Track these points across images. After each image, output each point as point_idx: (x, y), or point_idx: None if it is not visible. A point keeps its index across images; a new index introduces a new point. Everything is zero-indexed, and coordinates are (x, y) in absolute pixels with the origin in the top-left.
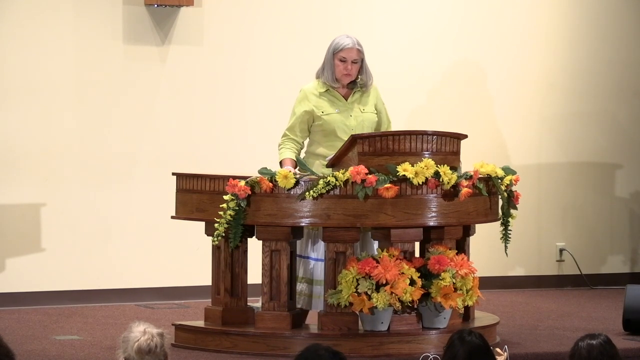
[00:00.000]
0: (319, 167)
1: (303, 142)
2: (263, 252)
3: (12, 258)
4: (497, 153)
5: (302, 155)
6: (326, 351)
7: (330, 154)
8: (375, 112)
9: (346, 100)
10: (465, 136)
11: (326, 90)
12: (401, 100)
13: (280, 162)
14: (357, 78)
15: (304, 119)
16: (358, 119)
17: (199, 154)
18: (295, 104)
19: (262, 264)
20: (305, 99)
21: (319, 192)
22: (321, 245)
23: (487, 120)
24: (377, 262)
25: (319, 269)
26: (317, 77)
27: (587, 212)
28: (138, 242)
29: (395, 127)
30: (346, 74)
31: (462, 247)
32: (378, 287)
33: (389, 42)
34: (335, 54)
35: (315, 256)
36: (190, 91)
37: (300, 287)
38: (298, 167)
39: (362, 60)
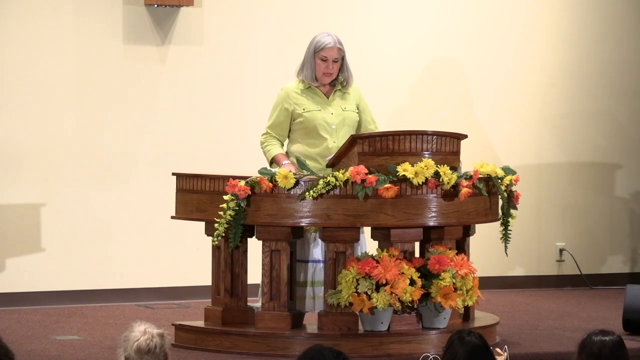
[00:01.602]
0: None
1: (284, 142)
2: (263, 252)
3: (12, 258)
4: (497, 153)
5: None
6: (330, 351)
7: (311, 151)
8: (357, 111)
9: (327, 98)
10: (465, 136)
11: (307, 88)
12: (400, 100)
13: (272, 160)
14: (337, 76)
15: (285, 118)
16: (339, 117)
17: (199, 154)
18: (277, 102)
19: (262, 264)
20: (287, 97)
21: (319, 192)
22: (318, 247)
23: (487, 120)
24: (377, 262)
25: (314, 271)
26: (297, 75)
27: (587, 212)
28: (138, 242)
29: (394, 127)
30: (326, 73)
31: (462, 247)
32: (378, 287)
33: (389, 41)
34: (316, 53)
35: (312, 258)
36: (190, 91)
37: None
38: (285, 162)
39: (343, 58)
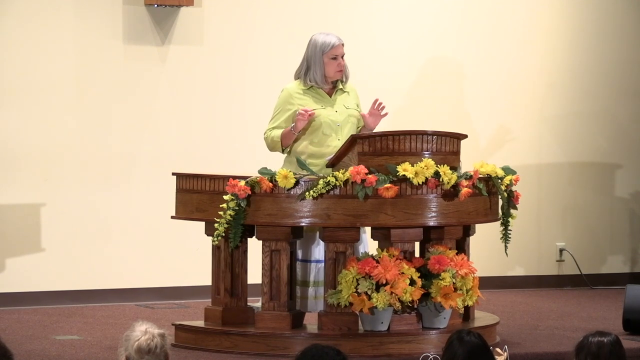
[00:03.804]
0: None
1: None
2: (263, 252)
3: (12, 258)
4: (497, 153)
5: (285, 155)
6: (330, 349)
7: (315, 151)
8: (358, 109)
9: (330, 97)
10: (465, 136)
11: (309, 88)
12: (400, 100)
13: (281, 138)
14: None
15: (289, 118)
16: (343, 114)
17: (199, 154)
18: (279, 104)
19: (262, 264)
20: (290, 97)
21: (319, 192)
22: (318, 247)
23: (487, 120)
24: (377, 262)
25: (313, 271)
26: (297, 77)
27: (587, 212)
28: (138, 242)
29: (395, 127)
30: (339, 70)
31: (462, 247)
32: (378, 287)
33: (389, 42)
34: (325, 54)
35: (313, 258)
36: (190, 91)
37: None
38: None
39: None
